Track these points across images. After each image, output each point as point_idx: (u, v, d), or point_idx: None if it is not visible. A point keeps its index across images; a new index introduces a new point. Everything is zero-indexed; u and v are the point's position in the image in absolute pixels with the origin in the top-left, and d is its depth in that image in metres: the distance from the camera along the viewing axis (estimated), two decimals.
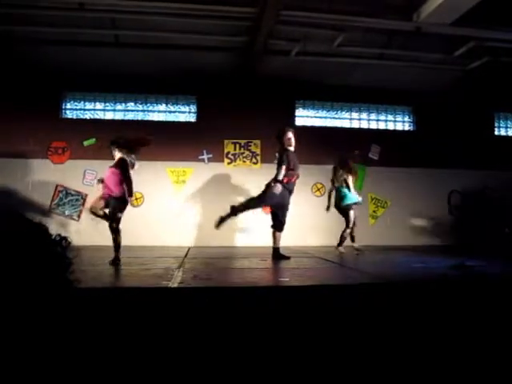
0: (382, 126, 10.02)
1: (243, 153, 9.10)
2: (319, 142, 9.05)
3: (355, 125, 9.92)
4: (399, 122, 10.09)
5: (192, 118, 9.33)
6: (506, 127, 10.50)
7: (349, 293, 3.63)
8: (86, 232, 8.42)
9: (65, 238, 0.92)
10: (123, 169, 5.48)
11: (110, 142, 5.79)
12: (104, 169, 8.66)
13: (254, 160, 8.98)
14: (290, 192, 6.06)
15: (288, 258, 5.87)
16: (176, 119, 9.31)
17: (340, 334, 2.98)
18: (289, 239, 7.43)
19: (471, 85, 9.09)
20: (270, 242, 5.91)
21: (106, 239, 8.51)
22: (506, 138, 10.42)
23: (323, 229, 8.66)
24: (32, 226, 0.89)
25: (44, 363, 0.84)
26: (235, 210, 6.11)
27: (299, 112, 9.68)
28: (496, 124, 10.39)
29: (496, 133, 10.37)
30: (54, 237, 0.91)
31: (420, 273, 4.98)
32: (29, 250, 0.83)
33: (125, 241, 8.40)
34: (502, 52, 7.73)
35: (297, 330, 2.98)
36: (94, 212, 5.71)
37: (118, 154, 5.65)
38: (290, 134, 6.13)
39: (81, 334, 1.01)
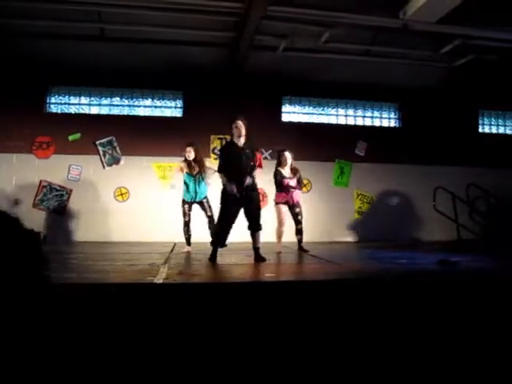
0: (368, 122, 10.06)
1: None
2: (305, 138, 9.07)
3: (341, 121, 9.94)
4: (385, 119, 10.15)
5: (178, 113, 9.28)
6: (490, 124, 10.63)
7: (333, 288, 3.65)
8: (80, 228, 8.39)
9: (38, 233, 0.92)
10: None
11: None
12: (89, 164, 8.65)
13: None
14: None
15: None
16: (162, 114, 9.25)
17: (325, 330, 3.00)
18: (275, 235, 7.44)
19: (456, 82, 9.19)
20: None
21: (101, 235, 8.51)
22: (490, 134, 10.55)
23: (310, 224, 8.68)
24: (5, 220, 0.88)
25: (25, 360, 0.84)
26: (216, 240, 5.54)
27: (285, 108, 9.68)
28: (480, 121, 10.51)
29: (480, 130, 10.49)
30: (27, 232, 0.90)
31: (405, 268, 5.03)
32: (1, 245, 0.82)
33: (110, 236, 8.41)
34: (487, 50, 7.83)
35: (282, 325, 3.00)
36: None
37: None
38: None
39: (64, 330, 1.01)
